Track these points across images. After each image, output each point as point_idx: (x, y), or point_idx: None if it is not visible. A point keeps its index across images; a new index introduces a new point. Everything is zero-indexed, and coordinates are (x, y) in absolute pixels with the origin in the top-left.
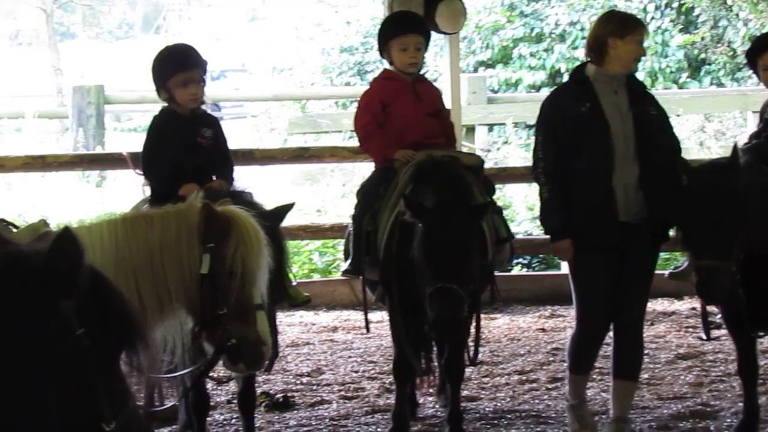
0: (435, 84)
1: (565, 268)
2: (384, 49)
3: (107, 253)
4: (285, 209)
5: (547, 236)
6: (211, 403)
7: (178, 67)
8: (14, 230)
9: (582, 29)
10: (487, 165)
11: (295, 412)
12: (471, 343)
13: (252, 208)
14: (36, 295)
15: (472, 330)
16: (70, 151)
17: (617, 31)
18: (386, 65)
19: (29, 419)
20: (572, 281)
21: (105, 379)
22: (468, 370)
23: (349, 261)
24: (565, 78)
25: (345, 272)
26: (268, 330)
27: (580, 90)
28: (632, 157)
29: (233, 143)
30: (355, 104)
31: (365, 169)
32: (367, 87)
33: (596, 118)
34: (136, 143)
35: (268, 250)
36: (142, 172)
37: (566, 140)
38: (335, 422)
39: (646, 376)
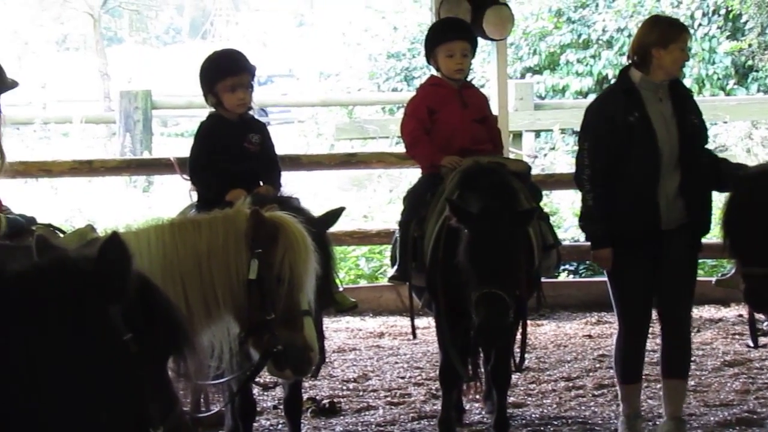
0: (482, 90)
1: None
2: (430, 56)
3: (155, 259)
4: (335, 214)
5: None
6: (258, 409)
7: (226, 72)
8: (61, 235)
9: (629, 35)
10: (534, 171)
11: (341, 418)
12: (517, 350)
13: (299, 214)
14: (84, 300)
15: (519, 336)
16: (117, 156)
17: (661, 41)
18: (433, 71)
19: (78, 425)
20: (612, 289)
21: (152, 384)
22: (514, 377)
23: (395, 267)
24: None
25: (391, 278)
26: (315, 336)
27: (627, 99)
28: (675, 165)
29: (280, 149)
30: (402, 110)
31: (412, 175)
32: (414, 93)
33: (644, 128)
34: (183, 148)
35: (315, 256)
36: (189, 178)
37: (614, 149)
38: (381, 428)
39: (692, 383)
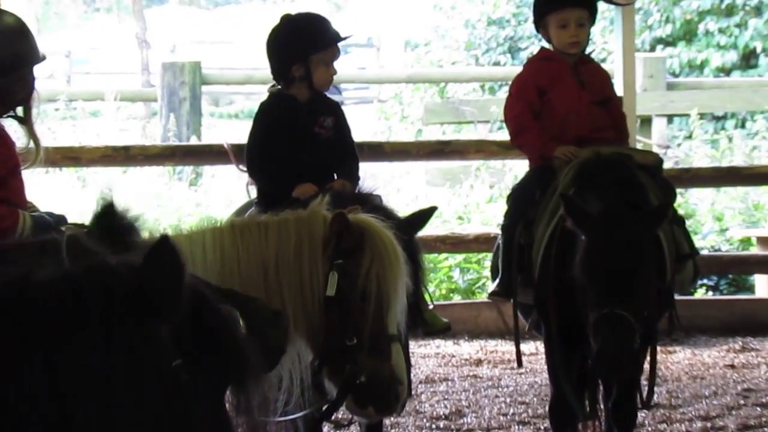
0: (603, 66)
1: (760, 291)
2: (540, 25)
3: (211, 268)
4: (425, 215)
5: (741, 253)
6: None
7: (328, 41)
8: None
9: None
10: (667, 164)
11: None
12: (644, 382)
13: (381, 215)
14: (127, 317)
15: (646, 366)
16: (159, 142)
17: None
18: (544, 42)
19: None
20: None
21: (206, 420)
22: (641, 415)
23: (497, 280)
24: (762, 60)
25: (492, 294)
26: (404, 366)
27: None
28: None
29: (358, 134)
30: (506, 89)
31: (518, 168)
32: (521, 69)
33: None
34: (239, 133)
35: (407, 268)
36: (246, 169)
37: None
38: None
39: None
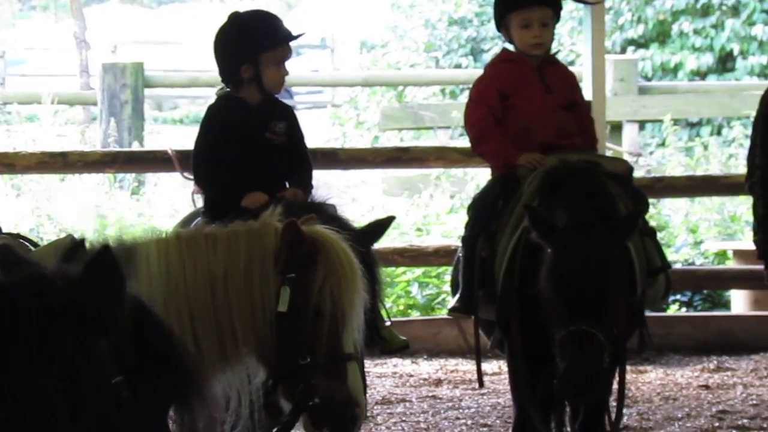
0: (571, 68)
1: (737, 308)
2: (501, 25)
3: (155, 282)
4: (382, 226)
5: (717, 267)
6: None
7: (277, 40)
8: (33, 249)
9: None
10: (638, 173)
11: None
12: (613, 403)
13: (338, 226)
14: (63, 333)
15: (615, 386)
16: (99, 148)
17: None
18: (506, 44)
19: None
20: None
21: None
22: None
23: (457, 295)
24: (739, 63)
25: (452, 310)
26: (361, 387)
27: None
28: None
29: (311, 140)
30: (468, 93)
31: (480, 176)
32: (482, 72)
33: None
34: (184, 139)
35: (363, 282)
36: (192, 177)
37: None
38: None
39: None
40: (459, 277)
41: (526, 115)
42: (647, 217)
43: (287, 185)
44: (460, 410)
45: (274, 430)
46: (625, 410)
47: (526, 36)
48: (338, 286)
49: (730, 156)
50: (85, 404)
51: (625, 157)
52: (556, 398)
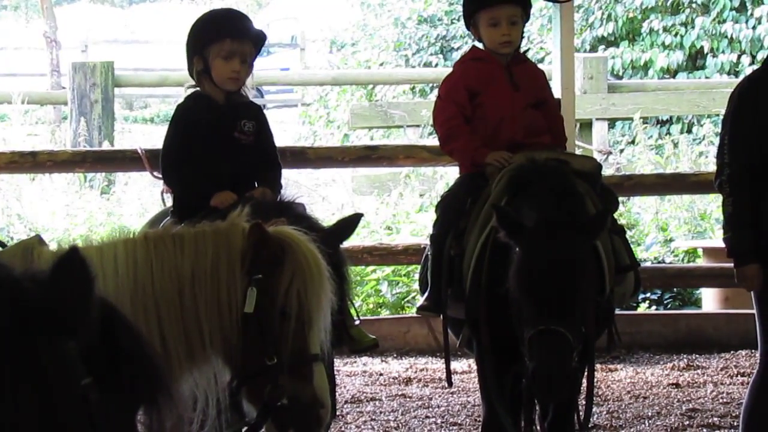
0: (540, 66)
1: (707, 306)
2: (471, 23)
3: (123, 283)
4: (350, 224)
5: (687, 265)
6: None
7: (224, 33)
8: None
9: None
10: (607, 171)
11: None
12: (582, 402)
13: (306, 226)
14: (32, 334)
15: (584, 385)
16: (69, 147)
17: None
18: (476, 42)
19: None
20: (760, 317)
21: None
22: None
23: (426, 294)
24: (709, 61)
25: (421, 308)
26: (327, 388)
27: None
28: None
29: (280, 139)
30: (437, 91)
31: (449, 175)
32: (451, 70)
33: None
34: (154, 138)
35: (330, 283)
36: (161, 176)
37: (763, 144)
38: None
39: None
40: (427, 275)
41: (495, 114)
42: (617, 215)
43: (256, 185)
44: (430, 409)
45: (243, 430)
46: (595, 409)
47: (495, 34)
48: (305, 288)
49: (701, 154)
50: (53, 406)
51: (595, 155)
52: (525, 397)
